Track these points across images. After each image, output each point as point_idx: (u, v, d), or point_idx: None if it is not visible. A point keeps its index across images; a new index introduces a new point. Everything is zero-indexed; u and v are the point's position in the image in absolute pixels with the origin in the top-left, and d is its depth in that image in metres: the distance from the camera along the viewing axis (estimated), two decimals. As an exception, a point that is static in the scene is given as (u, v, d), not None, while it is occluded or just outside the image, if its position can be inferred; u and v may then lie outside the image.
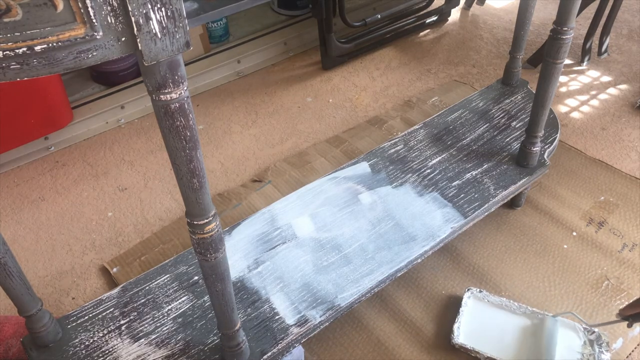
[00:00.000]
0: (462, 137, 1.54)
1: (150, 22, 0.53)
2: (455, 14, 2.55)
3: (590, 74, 2.12)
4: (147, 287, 1.17)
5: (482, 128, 1.56)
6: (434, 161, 1.46)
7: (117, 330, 1.09)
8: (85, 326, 1.10)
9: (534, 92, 1.34)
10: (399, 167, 1.45)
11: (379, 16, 2.24)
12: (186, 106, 0.62)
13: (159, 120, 0.63)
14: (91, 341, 1.07)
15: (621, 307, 1.08)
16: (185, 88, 0.61)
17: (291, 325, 1.09)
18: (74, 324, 1.10)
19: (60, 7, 0.49)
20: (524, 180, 1.39)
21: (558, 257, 1.42)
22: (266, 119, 1.97)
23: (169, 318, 1.11)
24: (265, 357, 1.04)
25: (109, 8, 0.51)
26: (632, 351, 1.23)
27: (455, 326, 1.22)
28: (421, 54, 2.29)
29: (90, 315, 1.12)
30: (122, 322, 1.11)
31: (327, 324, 1.13)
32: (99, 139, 1.90)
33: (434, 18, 2.43)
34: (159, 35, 0.54)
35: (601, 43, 2.18)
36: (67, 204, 1.65)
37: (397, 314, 1.30)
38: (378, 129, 1.87)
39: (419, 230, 1.27)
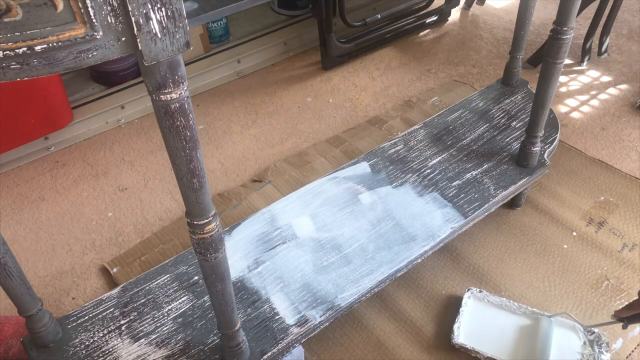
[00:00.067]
0: (462, 137, 1.54)
1: (150, 22, 0.53)
2: (455, 14, 2.55)
3: (590, 74, 2.12)
4: (147, 287, 1.17)
5: (482, 128, 1.56)
6: (434, 161, 1.46)
7: (117, 330, 1.09)
8: (86, 326, 1.10)
9: (534, 92, 1.34)
10: (399, 167, 1.45)
11: (379, 16, 2.24)
12: (186, 106, 0.62)
13: (159, 120, 0.63)
14: (91, 341, 1.07)
15: (617, 309, 1.08)
16: (186, 88, 0.61)
17: (291, 325, 1.09)
18: (74, 324, 1.10)
19: (60, 7, 0.49)
20: (524, 180, 1.39)
21: (558, 257, 1.42)
22: (266, 119, 1.97)
23: (169, 318, 1.11)
24: (265, 357, 1.04)
25: (109, 8, 0.51)
26: (632, 351, 1.23)
27: (455, 326, 1.22)
28: (421, 54, 2.29)
29: (91, 315, 1.12)
30: (122, 322, 1.11)
31: (327, 324, 1.13)
32: (99, 139, 1.90)
33: (434, 18, 2.43)
34: (159, 35, 0.54)
35: (601, 43, 2.18)
36: (67, 204, 1.65)
37: (397, 314, 1.30)
38: (378, 129, 1.87)
39: (419, 230, 1.27)
